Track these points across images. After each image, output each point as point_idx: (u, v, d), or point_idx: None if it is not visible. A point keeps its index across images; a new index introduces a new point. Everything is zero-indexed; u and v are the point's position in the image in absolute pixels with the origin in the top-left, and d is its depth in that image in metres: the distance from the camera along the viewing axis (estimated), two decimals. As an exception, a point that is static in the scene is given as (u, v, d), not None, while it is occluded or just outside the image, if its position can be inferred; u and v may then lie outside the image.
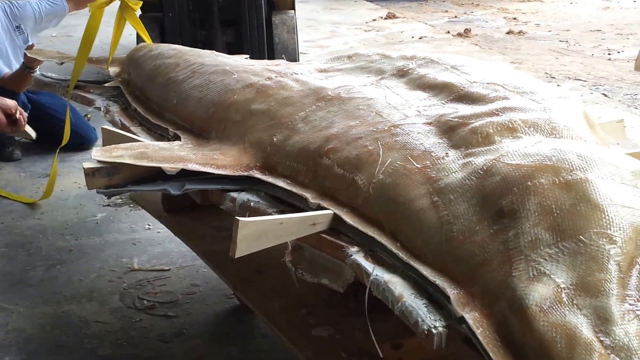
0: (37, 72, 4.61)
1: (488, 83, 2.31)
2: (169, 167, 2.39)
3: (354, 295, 2.19)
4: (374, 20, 10.27)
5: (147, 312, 3.18)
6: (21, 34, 5.27)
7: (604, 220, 1.61)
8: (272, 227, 1.97)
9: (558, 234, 1.61)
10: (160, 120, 3.00)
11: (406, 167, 1.99)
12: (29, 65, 4.77)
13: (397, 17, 10.36)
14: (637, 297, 1.52)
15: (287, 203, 2.24)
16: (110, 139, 2.73)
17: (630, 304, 1.50)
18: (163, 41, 6.73)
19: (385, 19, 10.31)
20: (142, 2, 4.05)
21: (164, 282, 3.42)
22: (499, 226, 1.70)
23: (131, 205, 4.19)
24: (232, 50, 6.16)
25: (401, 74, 2.61)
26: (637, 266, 1.56)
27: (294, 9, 7.11)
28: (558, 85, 6.52)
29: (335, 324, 2.28)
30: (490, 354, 1.52)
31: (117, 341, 3.00)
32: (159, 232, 3.86)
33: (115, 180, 2.46)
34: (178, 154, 2.49)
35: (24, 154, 5.21)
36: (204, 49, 5.65)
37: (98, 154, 2.45)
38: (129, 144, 2.57)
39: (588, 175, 1.70)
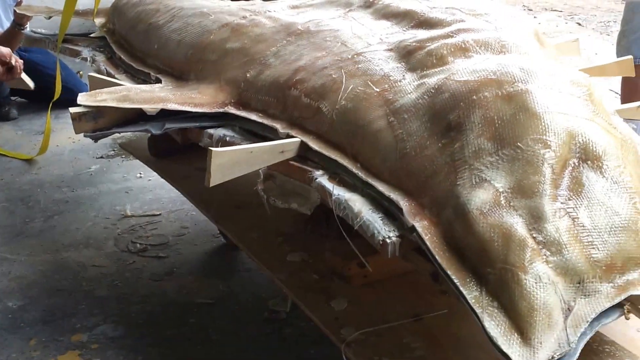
0: (27, 29, 4.69)
1: (447, 8, 2.39)
2: (150, 107, 2.49)
3: (325, 221, 2.30)
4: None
5: (139, 255, 3.32)
6: (10, -8, 5.32)
7: (541, 126, 1.71)
8: (244, 156, 2.08)
9: (499, 142, 1.72)
10: (143, 65, 3.09)
11: (366, 92, 2.09)
12: (18, 22, 4.82)
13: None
14: (568, 195, 1.63)
15: (260, 135, 2.34)
16: (96, 85, 2.83)
17: (561, 203, 1.61)
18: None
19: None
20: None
21: (155, 226, 3.55)
22: (446, 140, 1.80)
23: (123, 156, 4.31)
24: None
25: (367, 5, 2.69)
26: (569, 167, 1.66)
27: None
28: (535, 17, 6.57)
29: (308, 249, 2.40)
30: (437, 257, 1.63)
31: (112, 282, 3.14)
32: (149, 179, 3.98)
33: (101, 123, 2.56)
34: (158, 95, 2.59)
35: (20, 113, 5.30)
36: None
37: (83, 98, 2.55)
38: (112, 88, 2.66)
39: (528, 86, 1.80)
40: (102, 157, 4.47)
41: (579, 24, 6.36)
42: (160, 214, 3.70)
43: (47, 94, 4.70)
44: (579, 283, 1.55)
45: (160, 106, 2.48)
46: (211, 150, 2.00)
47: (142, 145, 3.33)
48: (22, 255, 3.43)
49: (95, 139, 2.60)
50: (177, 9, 3.13)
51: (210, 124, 2.47)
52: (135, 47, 3.24)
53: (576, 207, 1.61)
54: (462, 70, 1.94)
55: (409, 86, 2.03)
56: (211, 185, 2.04)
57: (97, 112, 2.52)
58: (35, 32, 4.52)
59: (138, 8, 3.37)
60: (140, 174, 4.12)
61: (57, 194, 4.05)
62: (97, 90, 2.63)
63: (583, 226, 1.59)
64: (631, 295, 1.56)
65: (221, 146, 2.34)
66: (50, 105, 4.22)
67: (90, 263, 3.31)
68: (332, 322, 2.08)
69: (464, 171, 1.71)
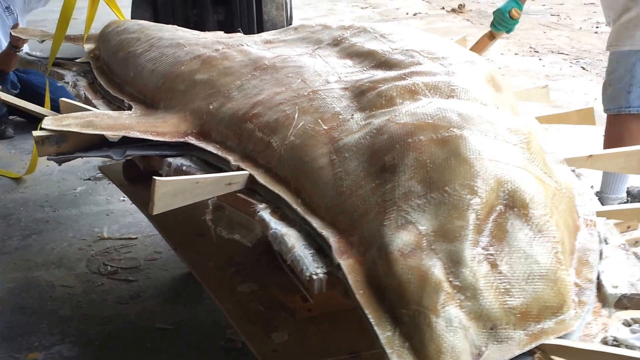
0: (23, 51, 4.76)
1: (407, 50, 2.43)
2: (112, 134, 2.53)
3: (278, 254, 2.32)
4: (372, -5, 10.35)
5: (109, 277, 3.36)
6: (11, 14, 5.41)
7: (470, 172, 1.73)
8: (189, 186, 2.11)
9: (428, 186, 1.74)
10: (120, 92, 3.14)
11: (314, 129, 2.12)
12: (14, 44, 4.91)
13: (394, -8, 10.43)
14: (490, 242, 1.64)
15: (215, 166, 2.37)
16: (67, 109, 2.88)
17: (482, 248, 1.63)
18: (156, 20, 6.89)
19: (384, -6, 10.39)
20: (115, -19, 4.16)
21: (129, 250, 3.59)
22: (380, 180, 1.83)
23: (109, 179, 4.34)
24: (223, 28, 6.30)
25: (335, 43, 2.73)
26: (495, 214, 1.68)
27: (284, -14, 7.22)
28: (540, 59, 6.60)
29: (259, 280, 2.42)
30: (357, 296, 1.65)
31: (77, 303, 3.17)
32: (132, 203, 3.99)
33: (64, 147, 2.60)
34: (122, 122, 2.63)
35: (17, 132, 5.38)
36: (195, 27, 5.80)
37: (48, 122, 2.59)
38: (79, 113, 2.71)
39: (463, 132, 1.82)
40: (89, 179, 4.53)
41: (583, 68, 6.39)
42: (136, 238, 3.73)
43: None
44: (492, 329, 1.56)
45: (122, 133, 2.52)
46: (154, 179, 2.03)
47: (117, 168, 3.37)
48: (-7, 272, 3.47)
49: (59, 163, 2.63)
50: (156, 39, 3.19)
51: (171, 153, 2.50)
52: (115, 73, 3.30)
53: (496, 254, 1.63)
54: (404, 113, 1.96)
55: (356, 125, 2.06)
56: (154, 213, 2.07)
57: (60, 137, 2.56)
58: (30, 55, 4.59)
59: (121, 36, 3.43)
60: (124, 197, 4.16)
61: (39, 213, 4.09)
62: (64, 115, 2.67)
63: (501, 273, 1.61)
64: (544, 344, 1.57)
65: (179, 175, 2.38)
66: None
67: (59, 283, 3.34)
68: (270, 354, 2.10)
69: (392, 212, 1.73)
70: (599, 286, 1.73)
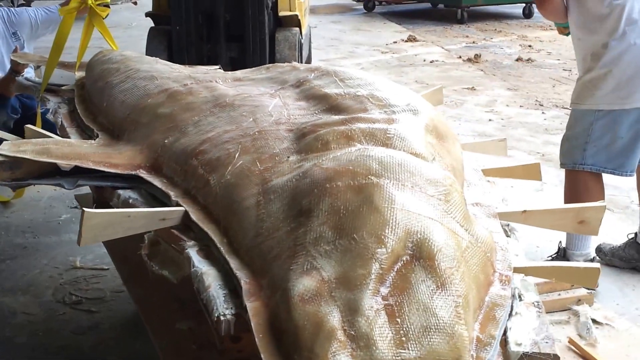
0: (22, 76, 4.82)
1: (358, 95, 2.44)
2: (64, 163, 2.56)
3: (197, 292, 2.32)
4: (395, 42, 10.41)
5: (72, 307, 3.37)
6: (17, 40, 5.48)
7: (379, 221, 1.72)
8: (120, 219, 2.12)
9: (338, 232, 1.74)
10: (92, 122, 3.18)
11: (250, 169, 2.13)
12: (15, 68, 4.96)
13: (417, 41, 10.49)
14: (391, 292, 1.63)
15: (161, 201, 2.37)
16: (31, 136, 2.91)
17: (381, 298, 1.62)
18: (170, 54, 6.98)
19: (405, 41, 10.46)
20: (109, 10, 4.21)
21: (98, 280, 3.61)
22: (295, 224, 1.83)
23: (95, 208, 4.37)
24: (236, 65, 6.38)
25: (298, 84, 2.75)
26: (400, 264, 1.67)
27: (299, 26, 7.30)
28: (543, 112, 6.57)
29: (199, 318, 2.40)
30: (257, 339, 1.64)
31: (35, 331, 3.20)
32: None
33: (19, 173, 2.63)
34: (79, 151, 2.65)
35: (7, 155, 5.39)
36: (209, 63, 5.88)
37: (5, 147, 2.62)
38: (38, 140, 2.74)
39: (380, 180, 1.82)
40: (75, 207, 4.54)
41: (583, 125, 6.35)
42: (108, 269, 3.74)
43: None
44: (383, 379, 1.55)
45: (75, 163, 2.55)
46: (84, 210, 2.05)
47: (89, 198, 3.39)
48: (-40, 296, 3.49)
49: (13, 188, 2.66)
50: (133, 71, 3.22)
51: (122, 184, 2.52)
52: (92, 102, 3.35)
53: (395, 304, 1.62)
54: (330, 158, 1.97)
55: (288, 167, 2.07)
56: (81, 245, 2.08)
57: (14, 163, 2.58)
58: (27, 80, 4.65)
59: (104, 65, 3.48)
60: (104, 227, 4.18)
61: (18, 239, 4.13)
62: (23, 140, 2.70)
63: (397, 324, 1.59)
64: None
65: (126, 207, 2.39)
66: None
67: (22, 310, 3.36)
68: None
69: (301, 256, 1.73)
70: (505, 342, 1.71)
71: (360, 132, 2.13)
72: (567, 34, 3.76)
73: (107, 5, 4.13)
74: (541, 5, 3.54)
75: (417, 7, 13.73)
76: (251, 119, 2.46)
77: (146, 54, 7.02)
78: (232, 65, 6.56)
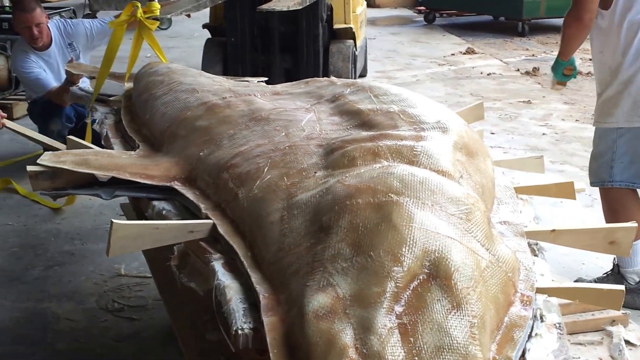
0: (76, 86, 4.93)
1: (389, 112, 2.44)
2: (102, 174, 2.61)
3: (219, 305, 2.34)
4: (453, 54, 10.35)
5: (114, 314, 3.42)
6: (73, 51, 5.61)
7: (396, 239, 1.72)
8: (148, 231, 2.16)
9: (356, 249, 1.74)
10: (135, 133, 3.23)
11: (277, 184, 2.14)
12: (69, 79, 5.07)
13: (475, 53, 10.41)
14: (405, 311, 1.63)
15: (192, 212, 2.40)
16: (72, 146, 2.98)
17: (395, 317, 1.62)
18: (225, 65, 7.06)
19: (464, 54, 10.39)
20: (158, 22, 4.28)
21: (141, 288, 3.65)
22: (315, 240, 1.84)
23: (144, 217, 4.44)
24: (289, 76, 6.43)
25: (334, 99, 2.76)
26: (416, 282, 1.67)
27: (353, 39, 7.32)
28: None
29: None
30: (271, 355, 1.65)
31: (76, 337, 3.25)
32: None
33: (58, 183, 2.69)
34: (117, 162, 2.70)
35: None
36: (263, 74, 5.93)
37: (46, 158, 2.68)
38: (78, 150, 2.80)
39: (400, 198, 1.82)
40: (123, 215, 4.61)
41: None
42: (151, 277, 3.78)
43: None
44: (393, 398, 1.54)
45: (112, 174, 2.59)
46: (112, 222, 2.08)
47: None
48: (8, 300, 3.59)
49: (54, 198, 2.71)
50: (176, 83, 3.27)
51: (157, 196, 2.56)
52: (137, 114, 3.41)
53: (409, 323, 1.61)
54: (352, 175, 1.97)
55: (314, 183, 2.08)
56: (110, 256, 2.12)
57: (53, 173, 2.64)
58: (81, 90, 4.75)
59: (150, 78, 3.54)
60: (149, 235, 4.24)
61: (67, 246, 4.21)
62: (64, 151, 2.77)
63: (410, 343, 1.59)
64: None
65: (159, 218, 2.42)
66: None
67: (65, 316, 3.42)
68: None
69: (318, 273, 1.74)
70: (524, 365, 1.69)
71: (387, 149, 2.13)
72: (573, 75, 3.77)
73: (156, 19, 4.20)
74: (579, 16, 3.44)
75: (478, 19, 13.62)
76: (283, 133, 2.48)
77: (202, 65, 7.13)
78: (286, 76, 6.62)
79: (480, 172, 2.24)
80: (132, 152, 2.92)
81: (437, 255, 1.71)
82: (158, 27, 10.50)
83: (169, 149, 2.83)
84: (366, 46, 8.98)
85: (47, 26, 5.50)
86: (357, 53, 7.57)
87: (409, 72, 9.35)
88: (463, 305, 1.65)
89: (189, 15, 8.68)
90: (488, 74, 9.08)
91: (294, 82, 3.25)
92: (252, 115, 2.71)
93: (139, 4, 4.15)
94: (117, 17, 4.49)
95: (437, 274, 1.69)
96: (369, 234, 1.76)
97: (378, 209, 1.80)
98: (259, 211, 2.10)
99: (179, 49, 10.36)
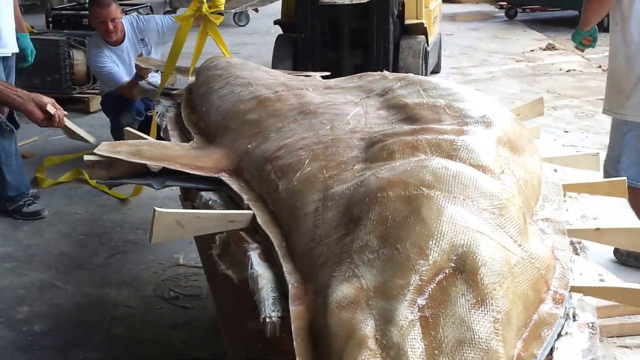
0: (145, 81, 5.02)
1: (435, 106, 2.43)
2: (153, 164, 2.67)
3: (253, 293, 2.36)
4: (532, 50, 10.19)
5: (170, 302, 3.49)
6: (145, 46, 5.72)
7: (423, 233, 1.71)
8: (190, 219, 2.20)
9: (383, 241, 1.74)
10: (192, 125, 3.29)
11: (316, 176, 2.16)
12: (139, 73, 5.17)
13: (556, 49, 10.23)
14: (429, 304, 1.62)
15: (236, 203, 2.44)
16: (129, 137, 3.04)
17: (418, 310, 1.61)
18: (295, 61, 7.11)
19: (543, 50, 10.22)
20: (223, 17, 4.33)
21: (197, 278, 3.71)
22: (345, 231, 1.84)
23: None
24: (359, 71, 6.43)
25: (383, 93, 2.75)
26: (441, 276, 1.65)
27: (425, 35, 7.28)
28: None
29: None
30: (295, 343, 1.67)
31: (132, 323, 3.33)
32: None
33: (113, 173, 2.75)
34: (169, 153, 2.75)
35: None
36: (332, 70, 5.97)
37: (103, 148, 2.74)
38: (133, 141, 2.86)
39: (432, 192, 1.81)
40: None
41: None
42: (207, 268, 3.85)
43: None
44: (411, 390, 1.54)
45: (163, 164, 2.64)
46: (155, 210, 2.12)
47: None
48: (71, 285, 3.69)
49: (109, 187, 2.78)
50: (233, 77, 3.32)
51: (205, 186, 2.59)
52: (195, 107, 3.45)
53: (431, 317, 1.60)
54: (387, 168, 1.97)
55: (351, 176, 2.08)
56: (152, 242, 2.16)
57: (109, 162, 2.70)
58: (149, 84, 4.85)
59: (209, 72, 3.59)
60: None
61: (131, 235, 4.30)
62: (120, 142, 2.82)
63: (431, 336, 1.58)
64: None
65: (206, 208, 2.46)
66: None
67: (123, 302, 3.51)
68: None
69: (345, 264, 1.74)
70: (551, 363, 1.67)
71: (426, 142, 2.12)
72: (592, 45, 3.82)
73: (220, 13, 4.25)
74: None
75: (562, 14, 13.35)
76: (329, 127, 2.49)
77: (272, 61, 7.19)
78: (355, 72, 6.61)
79: (525, 168, 2.21)
80: (186, 144, 2.97)
81: (464, 249, 1.70)
82: (236, 23, 10.86)
83: (220, 142, 2.87)
84: (440, 42, 8.91)
85: (121, 22, 5.62)
86: (428, 49, 7.53)
87: (485, 68, 9.25)
88: (488, 301, 1.63)
89: (256, 10, 8.75)
90: (567, 71, 8.91)
91: (347, 77, 3.26)
92: (301, 109, 2.73)
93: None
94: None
95: (463, 268, 1.67)
96: (397, 226, 1.75)
97: (408, 202, 1.80)
98: (295, 202, 2.11)
99: (255, 45, 10.45)
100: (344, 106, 2.69)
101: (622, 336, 2.38)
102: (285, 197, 2.18)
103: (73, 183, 5.17)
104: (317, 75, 4.10)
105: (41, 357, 3.09)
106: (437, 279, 1.66)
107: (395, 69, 6.90)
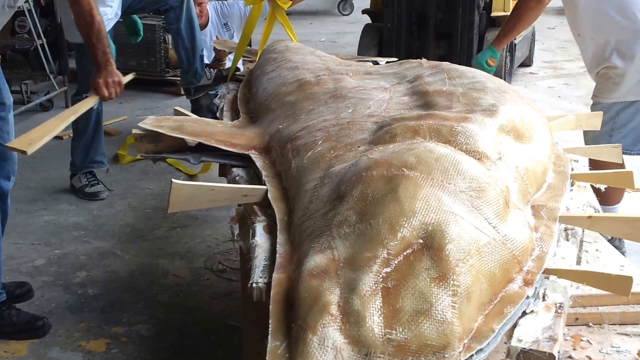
0: (226, 64, 5.21)
1: (451, 94, 2.50)
2: (190, 139, 2.83)
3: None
4: (629, 48, 9.97)
5: (216, 274, 3.66)
6: (227, 31, 5.92)
7: (396, 210, 1.82)
8: (205, 192, 2.35)
9: (360, 217, 1.85)
10: (243, 105, 3.45)
11: (324, 156, 2.28)
12: (217, 56, 5.37)
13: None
14: (392, 276, 1.72)
15: (261, 179, 2.58)
16: (178, 115, 3.22)
17: (381, 281, 1.71)
18: (380, 50, 7.20)
19: (641, 48, 9.98)
20: (291, 2, 4.46)
21: (248, 254, 3.85)
22: (330, 207, 1.96)
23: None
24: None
25: (412, 80, 2.85)
26: (408, 251, 1.75)
27: (510, 27, 7.24)
28: None
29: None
30: (270, 307, 1.79)
31: (177, 292, 3.52)
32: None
33: (160, 147, 2.93)
34: (208, 129, 2.91)
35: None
36: (416, 59, 6.04)
37: (149, 122, 2.92)
38: (179, 117, 3.03)
39: (412, 173, 1.90)
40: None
41: None
42: (262, 244, 4.00)
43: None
44: (366, 355, 1.64)
45: (200, 140, 2.80)
46: (172, 181, 2.28)
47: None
48: (129, 254, 3.91)
49: (153, 161, 2.95)
50: (285, 61, 3.46)
51: (236, 163, 2.75)
52: (250, 88, 3.61)
53: (394, 288, 1.70)
54: (380, 150, 2.07)
55: (352, 156, 2.19)
56: (169, 212, 2.32)
57: (156, 136, 2.87)
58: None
59: (267, 55, 3.76)
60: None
61: (194, 211, 4.48)
62: (165, 117, 3.00)
63: (390, 305, 1.68)
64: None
65: (234, 183, 2.61)
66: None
67: (173, 272, 3.72)
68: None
69: (324, 236, 1.86)
70: (510, 338, 1.75)
71: (427, 127, 2.21)
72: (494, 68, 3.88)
73: (289, -1, 4.38)
74: None
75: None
76: (350, 110, 2.60)
77: (358, 49, 7.30)
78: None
79: (528, 156, 2.27)
80: (229, 122, 3.13)
81: (434, 227, 1.79)
82: (340, 12, 10.89)
83: (260, 121, 3.02)
84: (533, 35, 8.84)
85: (206, 7, 5.82)
86: (516, 42, 7.50)
87: (579, 63, 9.06)
88: (449, 276, 1.72)
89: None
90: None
91: (389, 63, 3.35)
92: (334, 93, 2.84)
93: (273, -15, 4.35)
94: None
95: (431, 245, 1.77)
96: (375, 203, 1.86)
97: (388, 181, 1.90)
98: (301, 179, 2.24)
99: (353, 34, 10.52)
100: (373, 91, 2.79)
101: (624, 324, 2.40)
102: (294, 174, 2.31)
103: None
104: (383, 61, 4.18)
105: (89, 318, 3.32)
106: (404, 253, 1.76)
107: (479, 62, 6.91)
